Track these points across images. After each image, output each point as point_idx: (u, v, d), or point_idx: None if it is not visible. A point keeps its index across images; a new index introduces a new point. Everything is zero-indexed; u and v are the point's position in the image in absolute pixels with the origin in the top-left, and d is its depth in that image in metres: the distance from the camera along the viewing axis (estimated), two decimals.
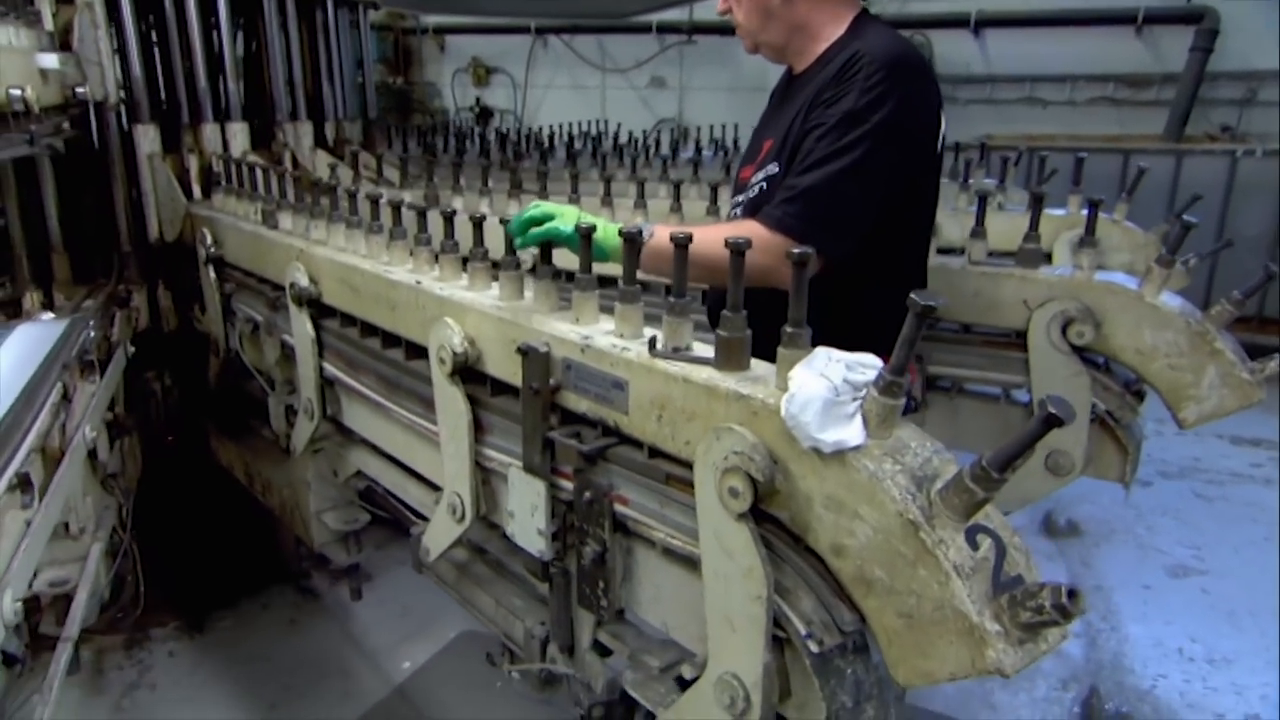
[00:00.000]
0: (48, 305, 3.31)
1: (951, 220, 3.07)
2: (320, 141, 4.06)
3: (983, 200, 2.45)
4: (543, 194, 3.34)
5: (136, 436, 3.29)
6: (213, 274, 3.06)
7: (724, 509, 1.26)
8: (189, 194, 3.44)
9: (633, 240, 1.52)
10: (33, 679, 2.47)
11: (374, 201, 2.30)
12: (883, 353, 1.19)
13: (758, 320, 1.35)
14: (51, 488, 1.89)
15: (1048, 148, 3.63)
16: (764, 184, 1.92)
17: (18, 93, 2.12)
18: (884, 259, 1.86)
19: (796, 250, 1.24)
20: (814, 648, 1.23)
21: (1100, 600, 3.64)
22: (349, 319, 2.33)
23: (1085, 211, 2.36)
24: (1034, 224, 2.34)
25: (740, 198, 2.03)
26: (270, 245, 2.68)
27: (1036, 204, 2.35)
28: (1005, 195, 3.33)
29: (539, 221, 1.75)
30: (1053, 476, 2.31)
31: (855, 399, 1.18)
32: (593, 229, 1.61)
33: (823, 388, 1.17)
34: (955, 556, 1.08)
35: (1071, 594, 1.02)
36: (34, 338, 2.51)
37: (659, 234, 1.69)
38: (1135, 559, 3.99)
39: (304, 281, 2.39)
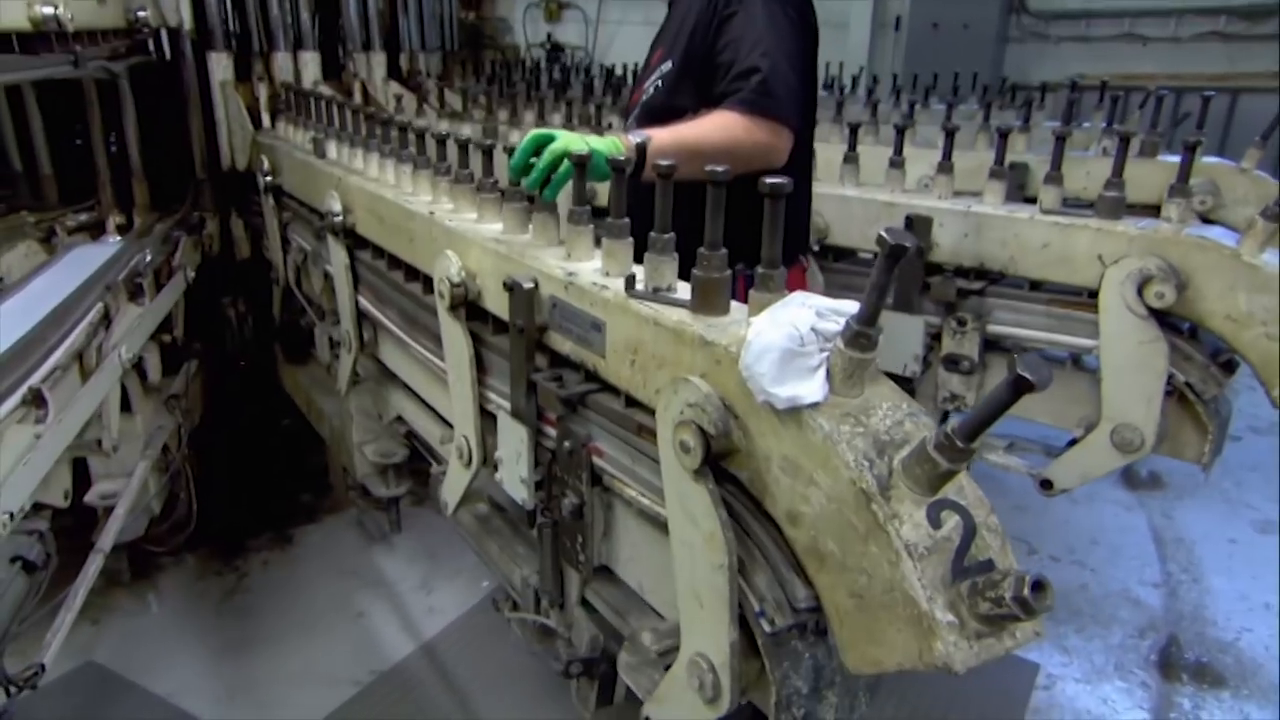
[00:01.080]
0: (126, 229, 3.41)
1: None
2: (394, 73, 4.03)
3: (1060, 142, 2.18)
4: (597, 126, 3.21)
5: (203, 360, 3.39)
6: (271, 202, 3.07)
7: (680, 466, 1.15)
8: (258, 123, 3.46)
9: (620, 169, 1.39)
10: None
11: (402, 129, 2.23)
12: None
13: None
14: (70, 405, 1.92)
15: (1146, 88, 3.26)
16: (659, 82, 2.01)
17: (50, 11, 2.12)
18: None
19: (770, 181, 1.09)
20: (766, 627, 1.11)
21: (1181, 552, 3.46)
22: (380, 251, 2.29)
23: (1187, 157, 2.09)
24: (1118, 169, 2.08)
25: (634, 113, 2.10)
26: (317, 174, 2.65)
27: (1123, 146, 2.09)
28: (1113, 140, 3.00)
29: (552, 166, 1.63)
30: (1118, 453, 2.08)
31: (822, 350, 1.04)
32: (587, 157, 1.49)
33: (783, 336, 1.03)
34: (909, 534, 0.94)
35: (1037, 586, 0.87)
36: (86, 259, 2.56)
37: (658, 138, 1.70)
38: (1221, 514, 3.75)
39: (338, 210, 2.36)
